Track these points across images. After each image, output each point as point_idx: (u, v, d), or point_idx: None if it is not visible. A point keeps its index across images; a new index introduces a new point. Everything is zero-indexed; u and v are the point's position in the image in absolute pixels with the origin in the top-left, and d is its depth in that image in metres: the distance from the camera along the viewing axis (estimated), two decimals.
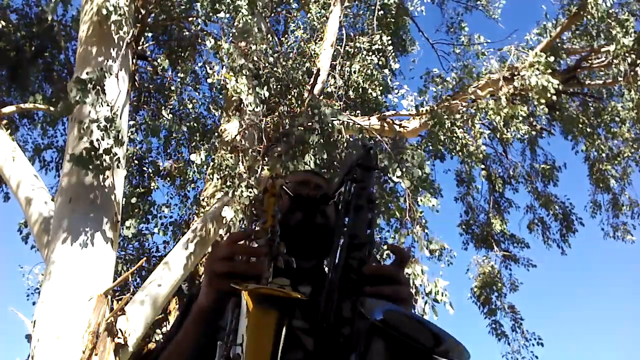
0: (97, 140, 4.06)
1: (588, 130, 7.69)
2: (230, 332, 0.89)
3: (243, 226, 4.78)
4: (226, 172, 4.80)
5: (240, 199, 4.60)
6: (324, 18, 7.66)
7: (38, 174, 4.99)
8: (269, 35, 7.19)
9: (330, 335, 0.83)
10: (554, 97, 6.08)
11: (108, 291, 4.00)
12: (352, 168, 1.00)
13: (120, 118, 4.47)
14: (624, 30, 6.36)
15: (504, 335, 7.88)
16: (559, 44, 7.19)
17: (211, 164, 5.37)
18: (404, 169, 5.13)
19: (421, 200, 5.25)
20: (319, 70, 6.38)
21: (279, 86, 6.18)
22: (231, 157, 4.90)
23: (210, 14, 5.04)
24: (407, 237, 5.33)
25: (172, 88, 7.12)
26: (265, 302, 0.82)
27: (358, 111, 7.09)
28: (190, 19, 6.27)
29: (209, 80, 5.93)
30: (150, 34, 6.46)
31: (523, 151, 8.63)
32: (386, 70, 7.62)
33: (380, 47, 7.47)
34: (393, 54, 7.76)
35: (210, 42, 5.31)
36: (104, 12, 4.53)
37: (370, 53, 7.38)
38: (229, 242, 0.97)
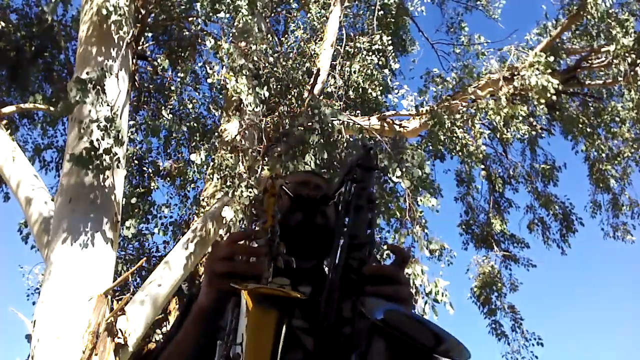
0: (97, 140, 4.06)
1: (588, 130, 7.69)
2: (230, 331, 0.89)
3: (243, 226, 4.78)
4: (226, 172, 4.80)
5: (240, 199, 4.61)
6: (324, 18, 7.67)
7: (38, 174, 4.99)
8: (269, 35, 7.19)
9: (331, 335, 0.83)
10: (554, 97, 6.08)
11: (108, 291, 4.00)
12: (352, 168, 1.00)
13: (120, 118, 4.47)
14: (624, 30, 6.36)
15: (503, 335, 7.89)
16: (559, 44, 7.19)
17: (211, 164, 5.37)
18: (403, 169, 5.13)
19: (421, 200, 5.25)
20: (319, 70, 6.38)
21: (279, 86, 6.18)
22: (231, 157, 4.90)
23: (210, 14, 5.04)
24: (407, 237, 5.33)
25: (172, 88, 7.12)
26: (265, 301, 0.82)
27: (358, 111, 7.09)
28: (190, 19, 6.27)
29: (209, 80, 5.93)
30: (150, 34, 6.46)
31: (523, 151, 8.64)
32: (386, 70, 7.62)
33: (380, 47, 7.47)
34: (393, 54, 7.76)
35: (210, 42, 5.31)
36: (104, 12, 4.53)
37: (370, 53, 7.38)
38: (229, 242, 0.97)
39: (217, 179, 4.92)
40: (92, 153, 4.01)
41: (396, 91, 7.47)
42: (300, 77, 6.34)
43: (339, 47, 7.20)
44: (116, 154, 4.18)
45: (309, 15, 8.06)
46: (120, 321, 3.93)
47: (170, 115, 6.78)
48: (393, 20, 8.29)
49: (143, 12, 5.31)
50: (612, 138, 7.89)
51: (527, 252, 8.21)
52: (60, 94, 6.30)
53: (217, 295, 0.94)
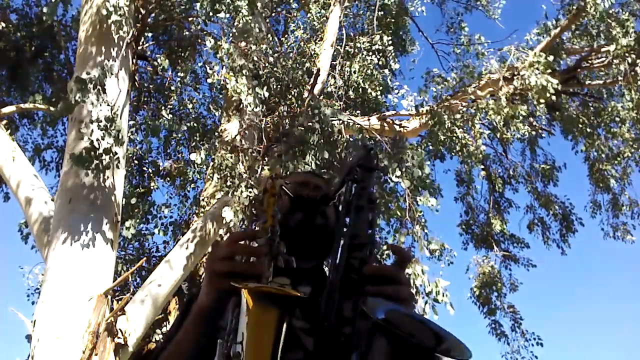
0: (97, 140, 4.06)
1: (588, 130, 7.69)
2: (230, 331, 0.89)
3: (243, 226, 4.78)
4: (226, 172, 4.80)
5: (240, 199, 4.61)
6: (324, 18, 7.67)
7: (38, 174, 4.99)
8: (269, 35, 7.19)
9: (331, 335, 0.83)
10: (554, 97, 6.08)
11: (108, 291, 4.00)
12: (353, 168, 1.00)
13: (120, 118, 4.47)
14: (624, 30, 6.36)
15: (503, 335, 7.89)
16: (559, 44, 7.19)
17: (211, 164, 5.37)
18: (403, 169, 5.13)
19: (420, 200, 5.25)
20: (319, 70, 6.38)
21: (279, 86, 6.18)
22: (231, 157, 4.90)
23: (210, 14, 5.04)
24: (407, 237, 5.33)
25: (172, 88, 7.12)
26: (266, 299, 0.82)
27: (358, 111, 7.09)
28: (190, 19, 6.27)
29: (209, 80, 5.93)
30: (150, 34, 6.46)
31: (523, 151, 8.64)
32: (386, 70, 7.62)
33: (380, 47, 7.47)
34: (393, 54, 7.76)
35: (210, 42, 5.31)
36: (104, 12, 4.53)
37: (370, 53, 7.38)
38: (229, 241, 0.97)
39: (217, 178, 4.92)
40: (92, 153, 4.01)
41: (396, 91, 7.47)
42: (300, 77, 6.34)
43: (339, 47, 7.21)
44: (116, 153, 4.18)
45: (309, 15, 8.06)
46: (120, 321, 3.92)
47: (170, 115, 6.78)
48: (393, 20, 8.30)
49: (143, 12, 5.31)
50: (612, 138, 7.89)
51: (527, 252, 8.22)
52: (60, 94, 6.30)
53: (218, 295, 0.94)
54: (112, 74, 4.44)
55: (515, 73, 6.32)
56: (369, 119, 6.66)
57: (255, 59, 5.53)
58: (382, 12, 8.13)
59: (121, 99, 4.66)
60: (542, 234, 8.37)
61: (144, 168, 7.08)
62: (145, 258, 6.25)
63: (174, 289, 4.66)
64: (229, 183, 4.81)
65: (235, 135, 5.52)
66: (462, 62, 8.07)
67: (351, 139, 5.89)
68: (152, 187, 6.89)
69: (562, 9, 7.14)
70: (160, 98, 7.36)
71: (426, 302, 4.56)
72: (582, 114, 7.78)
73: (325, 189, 1.29)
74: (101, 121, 4.09)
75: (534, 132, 7.50)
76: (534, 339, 7.77)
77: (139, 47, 5.34)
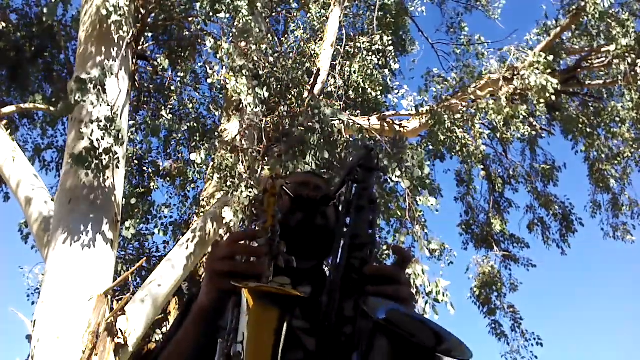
0: (97, 140, 4.06)
1: (588, 130, 7.69)
2: (230, 330, 0.89)
3: (243, 226, 4.78)
4: (226, 172, 4.80)
5: (240, 199, 4.60)
6: (324, 18, 7.67)
7: (38, 174, 4.99)
8: (269, 35, 7.19)
9: (332, 335, 0.83)
10: (553, 97, 6.09)
11: (108, 291, 4.00)
12: (354, 169, 1.00)
13: (120, 118, 4.47)
14: (624, 30, 6.36)
15: (503, 335, 7.89)
16: (559, 44, 7.19)
17: (211, 164, 5.37)
18: (403, 169, 5.13)
19: (420, 200, 5.25)
20: (319, 70, 6.38)
21: (279, 86, 6.18)
22: (231, 157, 4.90)
23: (210, 14, 5.04)
24: (407, 237, 5.33)
25: (172, 88, 7.12)
26: (266, 299, 0.82)
27: (358, 111, 7.09)
28: (190, 19, 6.27)
29: (209, 80, 5.93)
30: (150, 34, 6.46)
31: (523, 151, 8.65)
32: (386, 70, 7.62)
33: (380, 47, 7.47)
34: (393, 54, 7.76)
35: (210, 42, 5.31)
36: (104, 12, 4.53)
37: (370, 53, 7.38)
38: (230, 241, 0.97)
39: (217, 178, 4.92)
40: (92, 153, 4.01)
41: (396, 91, 7.47)
42: (300, 77, 6.33)
43: (339, 47, 7.21)
44: (116, 153, 4.17)
45: (309, 15, 8.06)
46: (120, 321, 3.92)
47: (170, 115, 6.78)
48: (393, 20, 8.29)
49: (143, 12, 5.31)
50: (612, 138, 7.89)
51: (527, 252, 8.23)
52: (60, 94, 6.30)
53: (218, 295, 0.94)
54: (112, 74, 4.44)
55: (515, 73, 6.32)
56: (369, 119, 6.66)
57: (255, 59, 5.53)
58: (382, 12, 8.13)
59: (121, 99, 4.66)
60: (542, 234, 8.38)
61: (144, 168, 7.08)
62: (145, 258, 6.25)
63: (174, 289, 4.66)
64: (229, 183, 4.81)
65: (235, 135, 5.52)
66: (462, 62, 8.08)
67: (351, 139, 5.89)
68: (152, 187, 6.89)
69: (562, 9, 7.14)
70: (160, 98, 7.36)
71: (426, 302, 4.56)
72: (582, 114, 7.78)
73: (326, 189, 1.29)
74: (101, 121, 4.09)
75: (534, 132, 7.50)
76: (534, 339, 7.78)
77: (139, 47, 5.34)
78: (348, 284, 0.87)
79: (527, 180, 8.52)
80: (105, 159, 4.05)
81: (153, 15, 5.82)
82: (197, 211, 6.13)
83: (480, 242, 8.32)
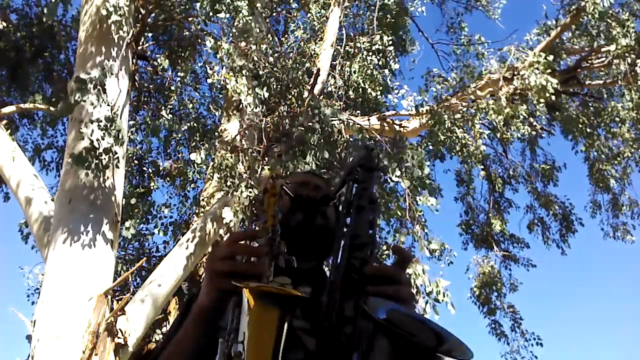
0: (97, 140, 4.06)
1: (588, 130, 7.69)
2: (231, 330, 0.89)
3: (243, 226, 4.78)
4: (226, 172, 4.80)
5: (240, 199, 4.60)
6: (324, 18, 7.67)
7: (38, 174, 4.99)
8: (269, 35, 7.19)
9: (332, 335, 0.83)
10: (553, 97, 6.09)
11: (108, 291, 4.00)
12: (354, 169, 1.00)
13: (120, 118, 4.47)
14: (624, 30, 6.36)
15: (503, 335, 7.89)
16: (559, 44, 7.20)
17: (211, 164, 5.37)
18: (403, 169, 5.13)
19: (420, 200, 5.25)
20: (319, 70, 6.38)
21: (279, 86, 6.18)
22: (231, 157, 4.90)
23: (210, 14, 5.04)
24: (407, 237, 5.33)
25: (172, 88, 7.12)
26: (267, 299, 0.83)
27: (358, 111, 7.09)
28: (190, 19, 6.27)
29: (209, 80, 5.93)
30: (150, 34, 6.46)
31: (523, 151, 8.65)
32: (386, 70, 7.62)
33: (380, 47, 7.47)
34: (393, 54, 7.76)
35: (210, 42, 5.31)
36: (104, 12, 4.53)
37: (370, 53, 7.38)
38: (230, 241, 0.97)
39: (218, 178, 4.92)
40: (92, 153, 4.01)
41: (396, 91, 7.47)
42: (300, 77, 6.33)
43: (339, 47, 7.21)
44: (116, 153, 4.17)
45: (309, 15, 8.06)
46: (120, 321, 3.92)
47: (170, 115, 6.78)
48: (393, 20, 8.29)
49: (143, 12, 5.31)
50: (612, 138, 7.89)
51: (527, 252, 8.23)
52: (60, 94, 6.30)
53: (218, 295, 0.94)
54: (112, 74, 4.44)
55: (515, 73, 6.32)
56: (369, 119, 6.66)
57: (255, 59, 5.53)
58: (382, 12, 8.13)
59: (121, 99, 4.66)
60: (542, 234, 8.38)
61: (144, 168, 7.08)
62: (145, 258, 6.25)
63: (174, 289, 4.66)
64: (229, 183, 4.80)
65: (235, 135, 5.52)
66: (462, 62, 8.08)
67: (351, 139, 5.89)
68: (152, 187, 6.89)
69: (562, 9, 7.15)
70: (160, 98, 7.36)
71: (427, 302, 4.56)
72: (582, 114, 7.78)
73: (325, 189, 1.29)
74: (101, 121, 4.09)
75: (534, 132, 7.50)
76: (534, 339, 7.78)
77: (139, 47, 5.34)
78: (348, 284, 0.87)
79: (527, 180, 8.52)
80: (105, 158, 4.05)
81: (153, 15, 5.82)
82: (197, 211, 6.13)
83: (480, 242, 8.32)
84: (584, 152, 8.03)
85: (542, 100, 5.97)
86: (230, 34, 5.48)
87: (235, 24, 5.25)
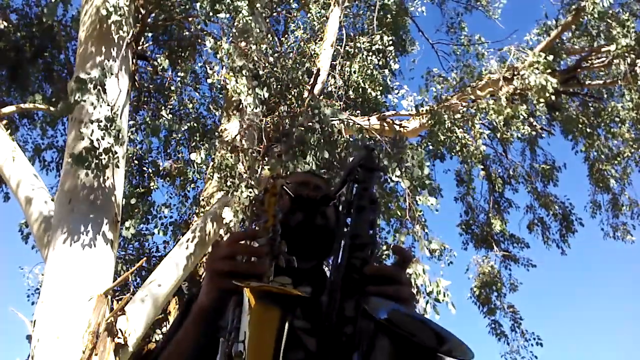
0: (97, 140, 4.06)
1: (588, 130, 7.69)
2: (232, 329, 0.89)
3: (243, 226, 4.78)
4: (226, 172, 4.80)
5: (240, 199, 4.60)
6: (324, 18, 7.67)
7: (38, 174, 4.99)
8: (269, 35, 7.19)
9: (333, 335, 0.83)
10: (553, 97, 6.09)
11: (108, 291, 4.00)
12: (354, 169, 1.00)
13: (120, 118, 4.47)
14: (624, 30, 6.36)
15: (503, 335, 7.89)
16: (559, 44, 7.20)
17: (211, 164, 5.37)
18: (403, 169, 5.13)
19: (420, 200, 5.25)
20: (319, 70, 6.38)
21: (279, 86, 6.18)
22: (231, 157, 4.90)
23: (210, 14, 5.04)
24: (407, 237, 5.33)
25: (172, 88, 7.12)
26: (268, 299, 0.83)
27: (358, 111, 7.09)
28: (190, 19, 6.27)
29: (209, 80, 5.93)
30: (150, 34, 6.46)
31: (523, 151, 8.65)
32: (386, 71, 7.62)
33: (380, 47, 7.47)
34: (393, 54, 7.76)
35: (210, 42, 5.31)
36: (104, 12, 4.53)
37: (370, 53, 7.38)
38: (230, 241, 0.97)
39: (218, 177, 4.92)
40: (92, 153, 4.01)
41: (396, 91, 7.48)
42: (300, 77, 6.33)
43: (339, 47, 7.21)
44: (116, 153, 4.17)
45: (309, 15, 8.06)
46: (120, 321, 3.92)
47: (170, 115, 6.78)
48: (393, 20, 8.29)
49: (143, 12, 5.31)
50: (612, 138, 7.89)
51: (527, 252, 8.23)
52: (60, 94, 6.30)
53: (218, 295, 0.94)
54: (112, 74, 4.44)
55: (515, 73, 6.32)
56: (369, 119, 6.66)
57: (255, 59, 5.53)
58: (382, 12, 8.13)
59: (121, 99, 4.66)
60: (542, 234, 8.38)
61: (144, 168, 7.08)
62: (145, 258, 6.25)
63: (174, 289, 4.66)
64: (229, 183, 4.80)
65: (235, 135, 5.52)
66: (462, 62, 8.08)
67: (351, 139, 5.89)
68: (152, 187, 6.89)
69: (562, 8, 7.15)
70: (160, 98, 7.36)
71: (427, 302, 4.56)
72: (582, 114, 7.78)
73: (325, 189, 1.29)
74: (101, 121, 4.09)
75: (534, 132, 7.50)
76: (534, 339, 7.79)
77: (139, 47, 5.34)
78: (349, 284, 0.87)
79: (527, 180, 8.53)
80: (105, 158, 4.05)
81: (153, 15, 5.82)
82: (197, 211, 6.13)
83: (480, 242, 8.32)
84: (584, 152, 8.03)
85: (542, 100, 5.97)
86: (230, 34, 5.48)
87: (235, 24, 5.25)
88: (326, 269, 1.23)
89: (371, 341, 0.77)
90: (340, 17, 7.41)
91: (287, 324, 0.84)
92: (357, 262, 0.89)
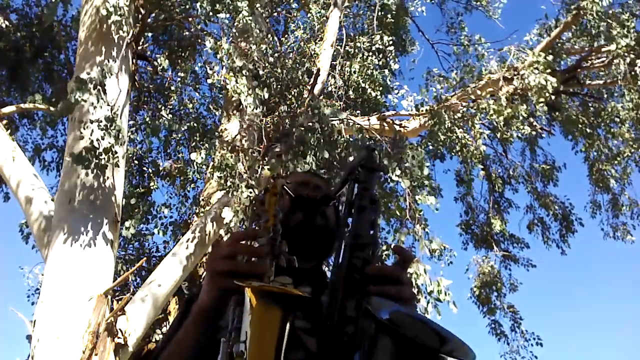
0: (97, 140, 4.06)
1: (588, 130, 7.69)
2: (232, 329, 0.89)
3: (243, 226, 4.77)
4: (226, 172, 4.80)
5: (241, 199, 4.60)
6: (324, 18, 7.66)
7: (38, 174, 4.99)
8: (269, 35, 7.19)
9: (334, 334, 0.83)
10: (553, 97, 6.09)
11: (108, 291, 4.00)
12: (355, 169, 1.00)
13: (120, 118, 4.47)
14: (624, 30, 6.35)
15: (503, 335, 7.89)
16: (559, 44, 7.20)
17: (211, 164, 5.37)
18: (403, 169, 5.13)
19: (419, 199, 5.25)
20: (319, 70, 6.38)
21: (279, 86, 6.18)
22: (231, 157, 4.90)
23: (210, 14, 5.04)
24: (408, 237, 5.33)
25: (172, 88, 7.12)
26: (269, 298, 0.83)
27: (358, 111, 7.09)
28: (190, 19, 6.27)
29: (209, 81, 5.93)
30: (150, 34, 6.46)
31: (523, 151, 8.65)
32: (386, 71, 7.62)
33: (380, 47, 7.47)
34: (393, 54, 7.76)
35: (210, 42, 5.31)
36: (104, 12, 4.53)
37: (370, 53, 7.38)
38: (231, 241, 0.97)
39: (217, 177, 4.91)
40: (92, 152, 4.01)
41: (396, 91, 7.48)
42: (300, 77, 6.33)
43: (339, 47, 7.20)
44: (116, 152, 4.17)
45: (309, 15, 8.06)
46: (120, 321, 3.92)
47: (170, 115, 6.78)
48: (393, 20, 8.29)
49: (143, 12, 5.31)
50: (612, 138, 7.89)
51: (527, 252, 8.23)
52: (60, 94, 6.30)
53: (219, 294, 0.94)
54: (112, 74, 4.43)
55: (515, 73, 6.32)
56: (369, 119, 6.66)
57: (255, 59, 5.53)
58: (382, 12, 8.12)
59: (121, 99, 4.66)
60: (542, 234, 8.38)
61: (144, 168, 7.08)
62: (145, 258, 6.25)
63: (174, 289, 4.65)
64: (229, 183, 4.80)
65: (235, 135, 5.52)
66: (462, 62, 8.08)
67: (351, 139, 5.89)
68: (152, 187, 6.89)
69: (562, 9, 7.15)
70: (160, 98, 7.36)
71: (428, 302, 4.56)
72: (582, 114, 7.78)
73: (326, 189, 1.29)
74: (101, 121, 4.09)
75: (534, 132, 7.50)
76: (534, 339, 7.79)
77: (139, 47, 5.34)
78: (350, 284, 0.87)
79: (527, 180, 8.53)
80: (105, 158, 4.05)
81: (153, 15, 5.82)
82: (197, 211, 6.13)
83: (480, 242, 8.32)
84: (584, 152, 8.03)
85: (542, 100, 5.97)
86: (230, 34, 5.48)
87: (235, 24, 5.25)
88: (326, 269, 1.23)
89: (372, 341, 0.77)
90: (340, 17, 7.41)
91: (288, 324, 0.84)
92: (358, 262, 0.89)
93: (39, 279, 6.62)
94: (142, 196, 6.70)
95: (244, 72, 4.96)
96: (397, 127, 6.74)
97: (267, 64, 6.11)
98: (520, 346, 7.80)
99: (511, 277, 8.13)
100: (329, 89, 7.04)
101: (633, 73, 6.33)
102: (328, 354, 0.82)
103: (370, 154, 1.01)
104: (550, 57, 6.27)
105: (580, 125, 7.62)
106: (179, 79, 7.05)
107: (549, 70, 6.08)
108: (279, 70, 6.23)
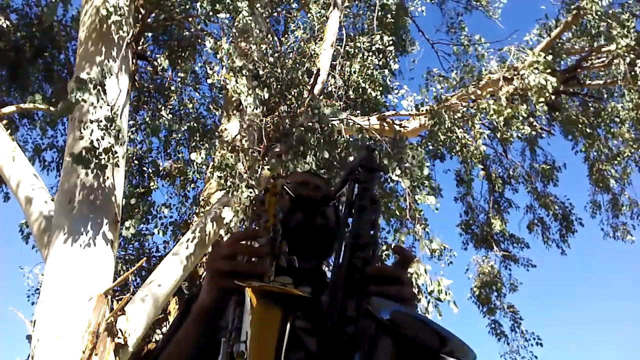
0: (97, 140, 4.06)
1: (588, 130, 7.69)
2: (233, 329, 0.89)
3: (243, 226, 4.78)
4: (226, 172, 4.80)
5: (241, 199, 4.60)
6: (324, 18, 7.66)
7: (38, 174, 4.99)
8: (269, 35, 7.19)
9: (334, 334, 0.83)
10: (553, 97, 6.09)
11: (108, 291, 4.00)
12: (355, 169, 1.00)
13: (120, 118, 4.47)
14: (624, 30, 6.35)
15: (503, 335, 7.89)
16: (559, 44, 7.20)
17: (211, 163, 5.37)
18: (403, 169, 5.13)
19: (419, 199, 5.25)
20: (319, 70, 6.37)
21: (279, 86, 6.18)
22: (231, 157, 4.90)
23: (210, 14, 5.04)
24: (408, 237, 5.33)
25: (172, 88, 7.12)
26: (269, 298, 0.82)
27: (358, 111, 7.09)
28: (190, 19, 6.26)
29: (209, 81, 5.93)
30: (150, 34, 6.46)
31: (523, 151, 8.65)
32: (386, 71, 7.62)
33: (380, 47, 7.47)
34: (393, 54, 7.76)
35: (210, 42, 5.31)
36: (104, 12, 4.53)
37: (370, 53, 7.38)
38: (231, 241, 0.97)
39: (217, 177, 4.91)
40: (92, 152, 4.01)
41: (396, 91, 7.48)
42: (300, 77, 6.33)
43: (339, 47, 7.20)
44: (116, 153, 4.17)
45: (309, 15, 8.06)
46: (120, 321, 3.92)
47: (170, 115, 6.78)
48: (393, 20, 8.29)
49: (143, 12, 5.31)
50: (612, 138, 7.89)
51: (527, 252, 8.24)
52: (60, 94, 6.29)
53: (219, 294, 0.94)
54: (112, 74, 4.43)
55: (515, 73, 6.32)
56: (369, 119, 6.65)
57: (255, 59, 5.53)
58: (382, 12, 8.12)
59: (121, 99, 4.66)
60: (542, 234, 8.39)
61: (144, 168, 7.08)
62: (145, 258, 6.25)
63: (174, 289, 4.65)
64: (229, 183, 4.80)
65: (235, 135, 5.52)
66: (462, 62, 8.08)
67: (351, 139, 5.89)
68: (152, 187, 6.89)
69: (562, 9, 7.15)
70: (160, 98, 7.36)
71: (429, 302, 4.56)
72: (582, 114, 7.78)
73: (326, 189, 1.29)
74: (101, 121, 4.09)
75: (534, 132, 7.50)
76: (534, 339, 7.79)
77: (139, 47, 5.34)
78: (350, 284, 0.87)
79: (527, 180, 8.53)
80: (105, 158, 4.05)
81: (153, 15, 5.82)
82: (197, 211, 6.13)
83: (480, 242, 8.33)
84: (584, 152, 8.04)
85: (542, 100, 5.97)
86: (230, 34, 5.48)
87: (235, 24, 5.25)
88: (326, 269, 1.23)
89: (373, 341, 0.77)
90: (340, 17, 7.40)
91: (288, 323, 0.84)
92: (358, 262, 0.89)
93: (39, 279, 6.63)
94: (142, 196, 6.71)
95: (244, 72, 4.95)
96: (397, 127, 6.74)
97: (267, 64, 6.11)
98: (520, 346, 7.81)
99: (511, 277, 8.15)
100: (329, 89, 7.04)
101: (633, 73, 6.32)
102: (328, 354, 0.82)
103: (371, 154, 1.01)
104: (550, 57, 6.27)
105: (580, 125, 7.62)
106: (179, 79, 7.06)
107: (549, 70, 6.08)
108: (279, 70, 6.23)
